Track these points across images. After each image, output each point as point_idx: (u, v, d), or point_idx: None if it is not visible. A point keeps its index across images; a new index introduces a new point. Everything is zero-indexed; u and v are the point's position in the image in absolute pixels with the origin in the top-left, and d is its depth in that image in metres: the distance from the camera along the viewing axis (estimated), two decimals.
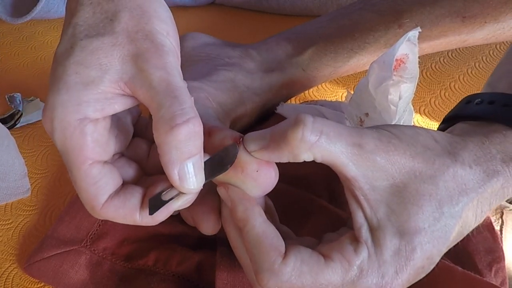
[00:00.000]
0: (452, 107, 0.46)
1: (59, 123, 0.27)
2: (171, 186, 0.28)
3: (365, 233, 0.26)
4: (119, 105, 0.28)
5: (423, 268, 0.26)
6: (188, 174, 0.27)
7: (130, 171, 0.31)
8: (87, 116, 0.27)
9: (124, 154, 0.33)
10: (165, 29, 0.29)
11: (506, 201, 0.32)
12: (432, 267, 0.27)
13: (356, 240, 0.26)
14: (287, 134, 0.25)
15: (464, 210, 0.26)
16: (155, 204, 0.28)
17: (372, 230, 0.26)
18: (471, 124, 0.30)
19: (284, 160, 0.27)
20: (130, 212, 0.28)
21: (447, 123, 0.32)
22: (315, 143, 0.25)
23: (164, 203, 0.28)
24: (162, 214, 0.28)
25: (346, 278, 0.26)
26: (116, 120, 0.31)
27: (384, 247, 0.26)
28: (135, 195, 0.29)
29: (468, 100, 0.31)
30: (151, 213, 0.28)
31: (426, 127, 0.29)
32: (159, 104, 0.26)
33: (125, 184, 0.30)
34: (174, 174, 0.26)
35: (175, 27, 0.30)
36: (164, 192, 0.28)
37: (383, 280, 0.26)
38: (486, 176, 0.26)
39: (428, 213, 0.26)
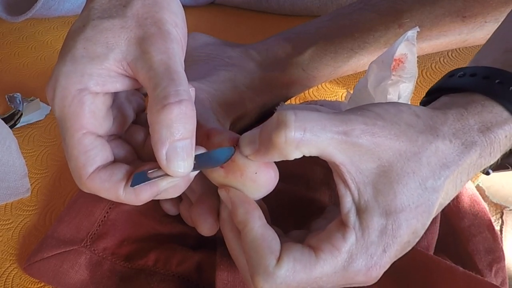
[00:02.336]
0: None
1: (60, 91, 0.28)
2: (159, 167, 0.28)
3: (352, 217, 0.27)
4: (120, 85, 0.30)
5: (408, 243, 0.27)
6: (176, 156, 0.27)
7: (123, 151, 0.32)
8: (87, 88, 0.28)
9: (121, 137, 0.33)
10: (174, 20, 0.30)
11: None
12: (417, 240, 0.28)
13: (343, 226, 0.27)
14: (272, 138, 0.26)
15: (445, 183, 0.27)
16: (139, 179, 0.28)
17: (360, 213, 0.26)
18: (453, 96, 0.30)
19: (277, 159, 0.27)
20: (115, 186, 0.29)
21: (430, 96, 0.32)
22: (300, 142, 0.25)
23: (148, 179, 0.28)
24: (146, 193, 0.29)
25: (338, 265, 0.26)
26: (118, 102, 0.32)
27: (371, 229, 0.26)
28: (122, 171, 0.30)
29: (451, 73, 0.31)
30: (132, 185, 0.28)
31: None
32: (156, 84, 0.27)
33: (115, 162, 0.31)
34: (161, 153, 0.27)
35: (185, 23, 0.32)
36: (151, 171, 0.29)
37: (372, 260, 0.26)
38: (464, 148, 0.27)
39: (413, 190, 0.26)
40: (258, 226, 0.28)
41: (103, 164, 0.30)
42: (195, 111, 0.28)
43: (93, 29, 0.29)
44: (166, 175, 0.28)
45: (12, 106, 0.56)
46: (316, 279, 0.26)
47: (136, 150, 0.33)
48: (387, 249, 0.26)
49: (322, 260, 0.26)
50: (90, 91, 0.29)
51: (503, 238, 0.40)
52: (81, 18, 0.30)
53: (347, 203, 0.27)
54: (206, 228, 0.31)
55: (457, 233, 0.38)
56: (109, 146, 0.31)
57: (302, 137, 0.25)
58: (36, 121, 0.55)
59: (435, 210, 0.27)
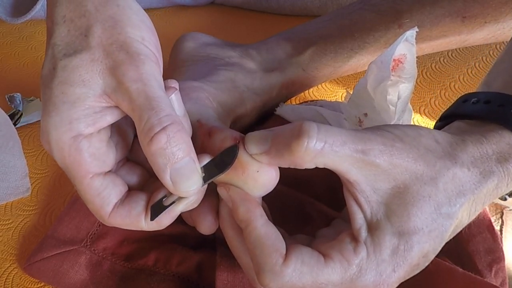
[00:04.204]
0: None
1: (55, 144, 0.28)
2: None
3: (364, 233, 0.27)
4: (111, 117, 0.29)
5: (418, 265, 0.27)
6: (181, 177, 0.27)
7: (134, 177, 0.32)
8: (80, 133, 0.28)
9: (128, 158, 0.33)
10: (139, 36, 0.29)
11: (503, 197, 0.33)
12: (427, 264, 0.28)
13: (355, 239, 0.27)
14: (291, 145, 0.26)
15: (460, 211, 0.27)
16: (156, 210, 0.29)
17: (371, 230, 0.27)
18: (468, 123, 0.30)
19: (286, 166, 0.27)
20: (136, 220, 0.29)
21: (444, 121, 0.32)
22: (319, 153, 0.25)
23: (165, 208, 0.29)
24: (166, 219, 0.29)
25: (345, 276, 0.26)
26: (116, 128, 0.32)
27: (383, 247, 0.26)
28: (139, 203, 0.30)
29: (464, 99, 0.31)
30: (152, 219, 0.29)
31: (427, 127, 0.29)
32: (140, 117, 0.27)
33: (130, 191, 0.31)
34: (167, 179, 0.27)
35: (152, 30, 0.31)
36: (165, 198, 0.29)
37: (381, 278, 0.26)
38: (482, 178, 0.27)
39: (427, 214, 0.26)
40: (261, 225, 0.28)
41: (119, 199, 0.30)
42: (183, 129, 0.28)
43: (64, 70, 0.28)
44: (180, 197, 0.28)
45: (12, 106, 0.55)
46: (321, 284, 0.26)
47: (144, 165, 0.33)
48: (397, 269, 0.26)
49: (331, 267, 0.26)
50: (84, 135, 0.28)
51: (503, 238, 0.40)
52: (47, 58, 0.29)
53: (359, 220, 0.27)
54: (205, 227, 0.31)
55: (457, 233, 0.38)
56: (120, 179, 0.30)
57: (322, 149, 0.25)
58: (36, 121, 0.55)
59: (448, 236, 0.27)
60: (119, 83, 0.27)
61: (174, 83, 0.31)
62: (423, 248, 0.26)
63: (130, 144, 0.33)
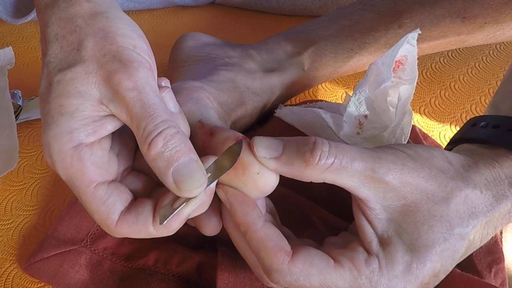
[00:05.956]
0: (452, 107, 0.46)
1: (57, 155, 0.28)
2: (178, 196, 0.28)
3: (375, 247, 0.27)
4: (111, 125, 0.29)
5: (428, 284, 0.27)
6: (182, 178, 0.27)
7: (140, 185, 0.32)
8: (81, 142, 0.28)
9: (133, 167, 0.33)
10: (131, 44, 0.29)
11: None
12: (437, 283, 0.28)
13: (367, 251, 0.27)
14: (305, 156, 0.26)
15: (472, 232, 0.27)
16: (165, 214, 0.28)
17: (383, 245, 0.27)
18: (478, 145, 0.30)
19: (290, 176, 0.27)
20: (144, 226, 0.29)
21: (453, 145, 0.33)
22: (328, 168, 0.26)
23: (173, 211, 0.28)
24: (176, 223, 0.29)
25: (354, 286, 0.26)
26: (117, 137, 0.32)
27: (396, 263, 0.26)
28: (147, 208, 0.29)
29: (473, 122, 0.32)
30: (161, 222, 0.28)
31: (437, 147, 0.29)
32: (137, 126, 0.27)
33: (136, 199, 0.31)
34: (169, 182, 0.27)
35: (143, 38, 0.31)
36: (174, 202, 0.29)
37: None
38: (495, 201, 0.27)
39: (439, 234, 0.26)
40: (260, 227, 0.28)
41: (125, 206, 0.29)
42: (180, 131, 0.28)
43: (60, 84, 0.28)
44: (187, 199, 0.28)
45: (13, 101, 0.55)
46: (328, 287, 0.26)
47: (149, 174, 0.33)
48: (408, 287, 0.26)
49: (340, 273, 0.26)
50: (86, 144, 0.28)
51: (503, 239, 0.40)
52: (43, 77, 0.30)
53: (369, 234, 0.27)
54: (210, 228, 0.31)
55: None
56: (124, 187, 0.30)
57: (331, 164, 0.26)
58: (36, 119, 0.55)
59: (459, 257, 0.28)
60: (115, 93, 0.28)
61: (165, 82, 0.31)
62: (435, 267, 0.26)
63: (133, 152, 0.33)
